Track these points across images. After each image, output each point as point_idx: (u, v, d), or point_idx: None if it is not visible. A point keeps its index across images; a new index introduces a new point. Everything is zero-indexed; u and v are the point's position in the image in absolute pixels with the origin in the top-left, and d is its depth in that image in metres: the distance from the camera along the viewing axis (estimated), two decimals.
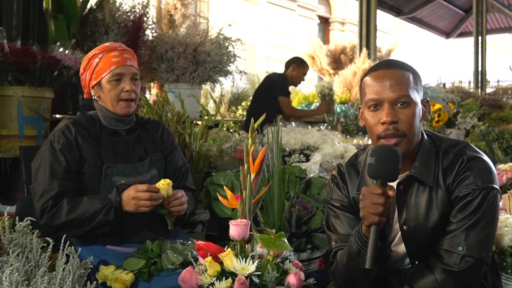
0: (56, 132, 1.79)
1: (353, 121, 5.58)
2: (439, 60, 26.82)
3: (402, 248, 1.47)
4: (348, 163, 1.58)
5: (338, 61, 8.21)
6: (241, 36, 4.19)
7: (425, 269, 1.38)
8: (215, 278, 1.23)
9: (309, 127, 3.68)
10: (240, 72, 4.17)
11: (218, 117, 2.88)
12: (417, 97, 1.40)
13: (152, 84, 4.33)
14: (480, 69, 11.14)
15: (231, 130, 6.04)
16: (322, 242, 2.12)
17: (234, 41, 3.97)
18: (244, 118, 6.42)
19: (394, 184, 1.42)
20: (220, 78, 4.01)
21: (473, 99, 7.18)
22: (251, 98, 7.35)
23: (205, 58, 3.81)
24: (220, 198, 1.41)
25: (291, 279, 1.25)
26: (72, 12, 3.45)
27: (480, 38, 11.26)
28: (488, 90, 11.83)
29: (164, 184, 1.71)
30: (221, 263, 1.25)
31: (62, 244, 1.31)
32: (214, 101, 3.05)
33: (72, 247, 1.37)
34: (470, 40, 12.52)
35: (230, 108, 7.32)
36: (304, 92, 6.98)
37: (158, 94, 4.09)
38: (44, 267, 1.25)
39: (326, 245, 2.14)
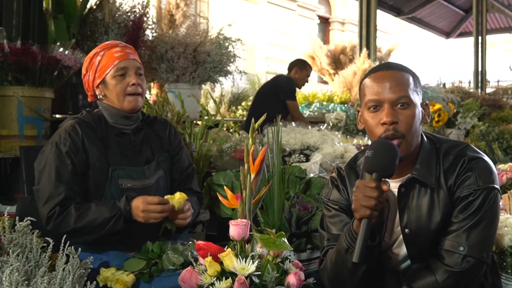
0: (62, 133, 1.74)
1: (353, 121, 5.59)
2: (439, 60, 26.83)
3: (403, 250, 1.47)
4: (347, 166, 1.58)
5: (338, 61, 8.21)
6: (241, 36, 4.19)
7: (425, 269, 1.38)
8: (215, 278, 1.23)
9: (309, 127, 3.68)
10: (240, 72, 4.18)
11: (218, 117, 2.88)
12: (416, 99, 1.41)
13: (152, 84, 4.33)
14: (480, 69, 11.15)
15: (231, 130, 6.04)
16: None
17: (234, 41, 3.98)
18: (244, 118, 6.43)
19: (396, 186, 1.42)
20: (220, 78, 4.01)
21: (473, 99, 7.19)
22: (251, 98, 7.40)
23: (205, 58, 3.81)
24: (220, 198, 1.41)
25: (291, 279, 1.25)
26: (72, 12, 3.45)
27: (480, 38, 11.27)
28: (488, 90, 11.84)
29: (180, 199, 1.67)
30: (221, 263, 1.25)
31: (62, 244, 1.31)
32: (214, 101, 3.05)
33: (72, 247, 1.37)
34: (470, 40, 12.53)
35: (230, 108, 7.32)
36: (304, 92, 6.97)
37: (158, 94, 4.09)
38: (44, 267, 1.25)
39: None
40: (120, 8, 3.62)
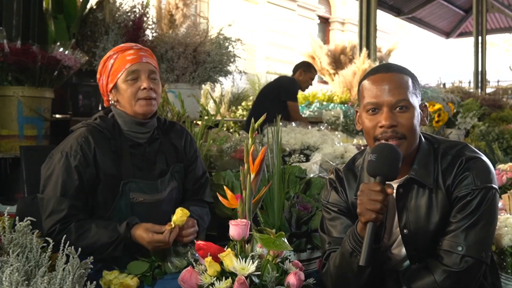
0: (74, 143, 1.66)
1: (353, 121, 5.59)
2: (439, 60, 26.82)
3: (402, 251, 1.47)
4: (346, 168, 1.58)
5: (338, 61, 8.22)
6: (241, 36, 4.19)
7: (424, 269, 1.38)
8: (215, 278, 1.23)
9: (309, 127, 3.68)
10: (240, 72, 4.18)
11: (218, 117, 2.88)
12: (415, 101, 1.41)
13: None
14: (480, 69, 11.15)
15: (231, 130, 6.04)
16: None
17: (234, 41, 3.98)
18: (245, 118, 6.43)
19: (393, 187, 1.42)
20: (220, 78, 4.01)
21: (473, 99, 7.19)
22: (251, 98, 7.40)
23: (205, 58, 3.81)
24: (220, 198, 1.41)
25: (291, 279, 1.25)
26: (72, 12, 3.45)
27: (480, 38, 11.27)
28: (488, 90, 11.85)
29: (182, 216, 1.59)
30: (221, 263, 1.25)
31: (62, 244, 1.31)
32: (214, 101, 3.05)
33: (72, 247, 1.36)
34: (470, 40, 12.53)
35: (230, 108, 7.32)
36: (304, 92, 6.97)
37: None
38: (44, 267, 1.25)
39: None
40: (120, 8, 3.62)
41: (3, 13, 3.08)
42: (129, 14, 3.59)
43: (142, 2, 3.65)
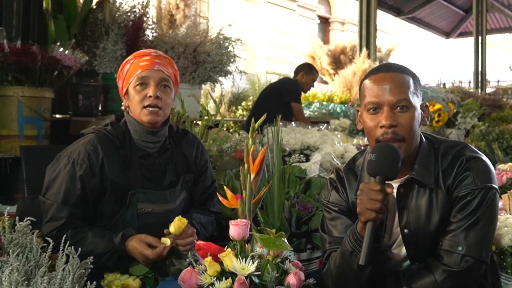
0: (82, 150, 1.64)
1: (353, 121, 5.59)
2: (439, 60, 26.82)
3: (402, 251, 1.47)
4: (346, 167, 1.58)
5: (338, 61, 8.22)
6: (241, 36, 4.19)
7: (424, 269, 1.38)
8: (215, 278, 1.23)
9: (309, 127, 3.68)
10: (240, 72, 4.18)
11: (218, 117, 2.88)
12: (416, 101, 1.40)
13: None
14: (480, 69, 11.15)
15: (231, 130, 6.05)
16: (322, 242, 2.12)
17: (234, 41, 3.98)
18: (245, 118, 6.43)
19: (394, 187, 1.41)
20: (220, 78, 4.01)
21: (473, 99, 7.20)
22: (251, 98, 7.40)
23: (205, 58, 3.81)
24: (220, 198, 1.41)
25: (291, 279, 1.25)
26: (72, 12, 3.45)
27: (480, 38, 11.27)
28: (488, 90, 11.85)
29: (180, 225, 1.56)
30: (221, 263, 1.25)
31: (62, 244, 1.31)
32: (214, 101, 3.05)
33: (72, 247, 1.36)
34: (470, 40, 12.53)
35: (230, 108, 7.32)
36: (305, 93, 6.97)
37: None
38: (44, 267, 1.25)
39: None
40: (120, 8, 3.61)
41: (3, 13, 3.08)
42: (129, 14, 3.58)
43: (142, 2, 3.65)
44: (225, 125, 5.86)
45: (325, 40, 14.08)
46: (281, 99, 4.72)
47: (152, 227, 1.64)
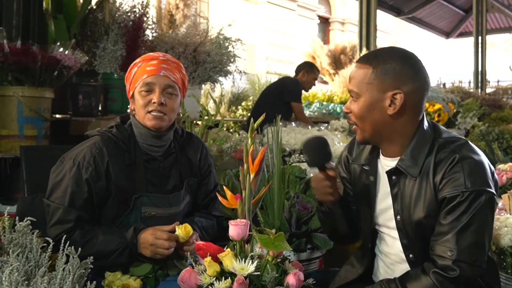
0: (87, 153, 1.63)
1: None
2: (439, 60, 26.82)
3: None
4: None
5: (338, 61, 8.22)
6: (241, 36, 4.20)
7: (421, 272, 1.37)
8: (215, 278, 1.23)
9: (309, 127, 3.68)
10: (240, 72, 4.18)
11: (218, 117, 2.88)
12: (373, 90, 1.40)
13: None
14: (480, 69, 11.14)
15: (231, 130, 6.04)
16: (322, 242, 2.12)
17: (234, 41, 3.98)
18: (245, 118, 6.43)
19: (387, 164, 1.48)
20: (220, 78, 4.01)
21: (473, 99, 7.20)
22: (251, 98, 7.40)
23: (205, 58, 3.81)
24: (220, 198, 1.41)
25: (291, 279, 1.25)
26: (72, 12, 3.45)
27: (480, 38, 11.26)
28: (488, 90, 11.84)
29: (186, 233, 1.58)
30: (220, 263, 1.25)
31: (62, 244, 1.31)
32: (214, 101, 3.05)
33: (72, 247, 1.36)
34: (470, 40, 12.52)
35: (230, 108, 7.32)
36: (304, 92, 6.97)
37: None
38: (44, 267, 1.25)
39: (326, 245, 2.14)
40: (120, 8, 3.61)
41: (3, 13, 3.08)
42: (129, 14, 3.58)
43: (142, 2, 3.65)
44: (225, 125, 5.86)
45: (325, 40, 14.08)
46: (282, 99, 4.71)
47: None
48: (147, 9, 3.66)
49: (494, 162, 3.88)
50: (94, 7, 3.60)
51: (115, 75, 3.43)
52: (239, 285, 1.17)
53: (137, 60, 1.71)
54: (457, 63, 23.88)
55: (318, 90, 7.26)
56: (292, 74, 5.40)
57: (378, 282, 1.44)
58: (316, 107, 6.39)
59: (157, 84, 1.66)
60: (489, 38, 13.35)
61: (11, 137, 2.73)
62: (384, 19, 12.99)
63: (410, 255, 1.46)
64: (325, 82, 9.41)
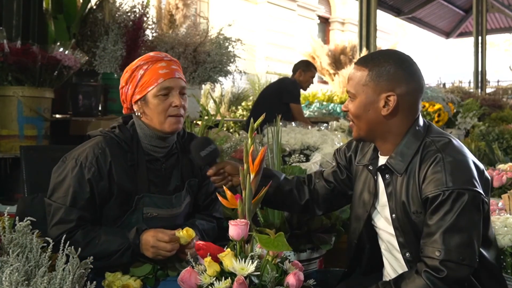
0: (90, 153, 1.62)
1: None
2: (439, 60, 26.83)
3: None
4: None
5: (338, 61, 8.22)
6: (241, 36, 4.20)
7: (414, 273, 1.38)
8: (214, 278, 1.23)
9: (309, 127, 3.68)
10: (240, 72, 4.18)
11: (218, 117, 2.88)
12: (368, 91, 1.45)
13: None
14: (480, 69, 11.15)
15: (231, 130, 6.05)
16: (322, 242, 2.12)
17: (234, 41, 3.98)
18: (245, 118, 6.43)
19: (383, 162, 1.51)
20: (220, 78, 4.01)
21: (473, 99, 7.20)
22: (251, 98, 7.41)
23: (205, 58, 3.82)
24: (220, 198, 1.41)
25: (291, 279, 1.25)
26: (72, 12, 3.45)
27: (480, 38, 11.27)
28: (488, 90, 11.85)
29: (188, 237, 1.57)
30: (220, 263, 1.25)
31: (62, 244, 1.31)
32: (214, 101, 3.05)
33: (72, 247, 1.36)
34: (470, 40, 12.53)
35: (230, 108, 7.33)
36: (304, 92, 6.97)
37: None
38: (44, 267, 1.25)
39: (326, 245, 2.14)
40: (120, 8, 3.61)
41: (3, 13, 3.08)
42: (129, 14, 3.59)
43: (142, 2, 3.65)
44: (225, 125, 5.86)
45: (325, 40, 14.09)
46: (281, 99, 4.72)
47: None
48: (147, 9, 3.67)
49: (494, 162, 3.88)
50: (94, 7, 3.60)
51: (115, 75, 3.43)
52: (239, 285, 1.17)
53: (139, 62, 1.67)
54: (457, 63, 23.90)
55: (318, 90, 7.27)
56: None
57: (373, 286, 1.44)
58: (316, 107, 6.40)
59: (175, 88, 1.65)
60: (489, 38, 13.36)
61: (11, 137, 2.73)
62: (384, 19, 12.99)
63: (406, 254, 1.47)
64: (325, 82, 9.42)
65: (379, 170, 1.52)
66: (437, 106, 6.17)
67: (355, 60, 7.47)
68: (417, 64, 1.50)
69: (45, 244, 1.32)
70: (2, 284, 1.16)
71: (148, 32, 3.76)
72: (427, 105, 6.30)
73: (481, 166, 1.45)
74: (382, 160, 1.53)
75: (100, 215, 1.67)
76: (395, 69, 1.44)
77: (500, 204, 2.26)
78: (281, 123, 2.43)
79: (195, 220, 1.81)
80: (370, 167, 1.57)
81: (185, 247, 1.59)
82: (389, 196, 1.50)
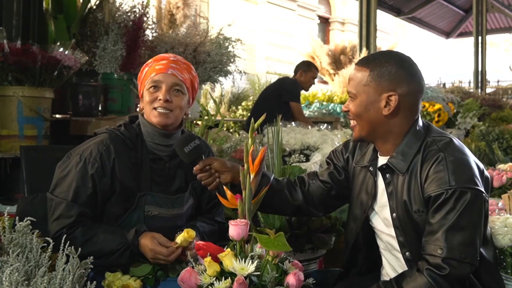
0: (94, 149, 1.64)
1: None
2: (439, 60, 26.84)
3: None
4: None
5: (338, 61, 8.23)
6: (241, 36, 4.20)
7: (416, 271, 1.38)
8: (215, 278, 1.23)
9: (309, 127, 3.68)
10: (240, 72, 4.18)
11: (218, 117, 2.88)
12: (370, 91, 1.46)
13: None
14: (480, 69, 11.15)
15: (231, 130, 6.05)
16: (322, 242, 2.12)
17: (234, 41, 3.98)
18: (245, 118, 6.43)
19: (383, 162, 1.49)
20: (220, 78, 4.01)
21: (473, 99, 7.21)
22: (251, 98, 7.41)
23: (205, 58, 3.82)
24: (220, 198, 1.41)
25: (291, 279, 1.25)
26: (72, 12, 3.45)
27: (480, 38, 11.27)
28: (488, 90, 11.86)
29: (188, 238, 1.57)
30: (220, 263, 1.25)
31: (62, 244, 1.31)
32: (214, 101, 3.05)
33: (72, 247, 1.36)
34: (470, 40, 12.53)
35: (230, 108, 7.33)
36: (304, 92, 6.98)
37: None
38: (44, 267, 1.25)
39: (326, 245, 2.14)
40: (120, 8, 3.61)
41: (3, 13, 3.08)
42: (129, 14, 3.58)
43: (142, 2, 3.65)
44: (225, 125, 5.86)
45: (325, 40, 14.09)
46: (281, 99, 4.72)
47: (158, 230, 1.64)
48: (147, 9, 3.66)
49: (494, 162, 3.88)
50: (94, 7, 3.60)
51: (115, 75, 3.43)
52: (239, 285, 1.17)
53: (149, 60, 1.75)
54: (457, 63, 23.90)
55: (318, 90, 7.27)
56: (292, 74, 5.40)
57: (374, 285, 1.44)
58: (316, 107, 6.40)
59: (164, 82, 1.68)
60: (489, 38, 13.36)
61: (11, 137, 2.73)
62: (384, 19, 12.99)
63: (406, 253, 1.47)
64: (325, 82, 9.42)
65: (380, 170, 1.52)
66: (437, 106, 6.18)
67: (355, 60, 7.55)
68: (417, 65, 1.52)
69: (45, 244, 1.32)
70: (2, 284, 1.16)
71: (148, 32, 3.76)
72: (427, 105, 6.30)
73: (481, 165, 1.46)
74: (382, 160, 1.53)
75: (102, 212, 1.67)
76: (396, 70, 1.45)
77: (500, 204, 2.26)
78: (281, 123, 2.43)
79: (196, 222, 1.81)
80: (371, 168, 1.57)
81: (185, 248, 1.60)
82: (389, 195, 1.50)
